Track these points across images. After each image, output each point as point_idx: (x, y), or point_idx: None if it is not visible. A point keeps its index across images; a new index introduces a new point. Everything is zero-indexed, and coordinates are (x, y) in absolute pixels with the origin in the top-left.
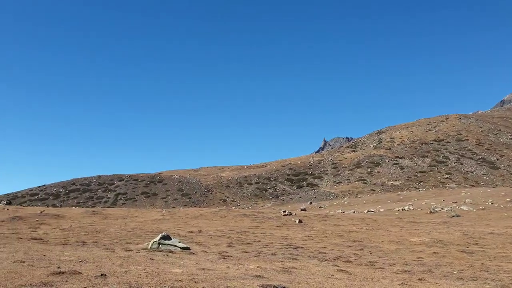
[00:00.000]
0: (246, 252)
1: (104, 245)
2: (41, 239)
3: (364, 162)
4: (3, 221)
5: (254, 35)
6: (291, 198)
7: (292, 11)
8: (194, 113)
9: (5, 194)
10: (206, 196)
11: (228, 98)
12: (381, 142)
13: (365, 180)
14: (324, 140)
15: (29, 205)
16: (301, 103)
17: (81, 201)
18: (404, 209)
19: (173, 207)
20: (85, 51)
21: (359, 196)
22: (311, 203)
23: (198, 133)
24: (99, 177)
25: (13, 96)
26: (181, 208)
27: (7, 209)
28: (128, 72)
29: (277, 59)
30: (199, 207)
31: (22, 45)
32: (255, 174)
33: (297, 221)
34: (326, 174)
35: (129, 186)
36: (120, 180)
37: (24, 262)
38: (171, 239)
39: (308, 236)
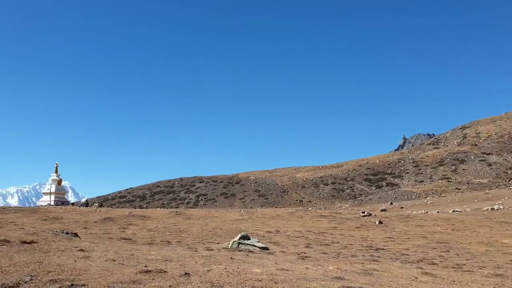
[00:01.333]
0: (325, 253)
1: (187, 245)
2: (130, 239)
3: (448, 159)
4: (95, 222)
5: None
6: (369, 199)
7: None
8: (269, 115)
9: (97, 197)
10: (282, 197)
11: (303, 98)
12: (466, 137)
13: (449, 178)
14: (404, 138)
15: (118, 206)
16: (377, 101)
17: (165, 202)
18: (494, 208)
19: (251, 208)
20: (168, 53)
21: (443, 195)
22: (391, 203)
23: (272, 134)
24: (181, 179)
25: (103, 105)
26: (259, 208)
27: (99, 210)
28: (209, 74)
29: (354, 60)
30: (276, 207)
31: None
32: (331, 175)
33: (377, 222)
34: (407, 173)
35: (209, 187)
36: (201, 182)
37: (115, 260)
38: (250, 239)
39: (389, 237)
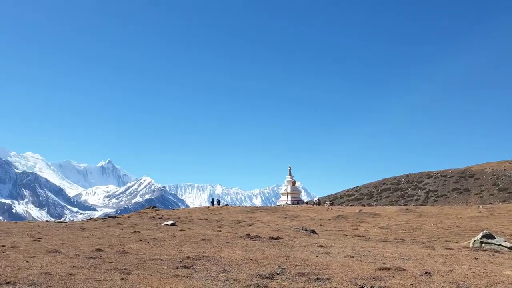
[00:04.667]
0: None
1: (423, 243)
2: (363, 236)
3: None
4: (329, 219)
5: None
6: None
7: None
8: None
9: (327, 196)
10: None
11: None
12: None
13: None
14: None
15: (347, 205)
16: None
17: (392, 200)
18: None
19: (490, 203)
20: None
21: None
22: None
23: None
24: (407, 175)
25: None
26: (500, 204)
27: (331, 208)
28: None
29: None
30: None
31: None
32: None
33: None
34: None
35: (438, 183)
36: (429, 177)
37: (353, 257)
38: (494, 238)
39: None
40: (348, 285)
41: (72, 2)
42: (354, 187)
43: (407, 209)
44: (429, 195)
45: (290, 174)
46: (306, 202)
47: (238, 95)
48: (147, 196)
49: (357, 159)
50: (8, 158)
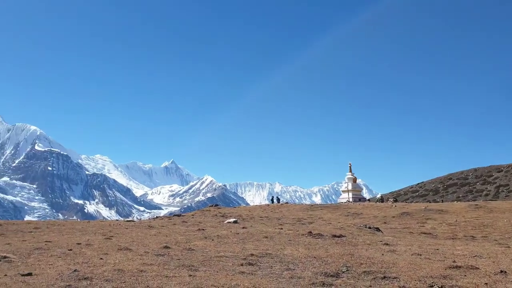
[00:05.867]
0: None
1: (495, 240)
2: (430, 233)
3: None
4: (393, 216)
5: None
6: None
7: None
8: None
9: (390, 192)
10: None
11: None
12: None
13: None
14: None
15: (411, 201)
16: None
17: (460, 195)
18: None
19: None
20: None
21: None
22: None
23: None
24: (475, 169)
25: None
26: None
27: (395, 206)
28: None
29: None
30: None
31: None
32: None
33: None
34: None
35: (510, 176)
36: (499, 171)
37: (420, 255)
38: None
39: None
40: (417, 283)
41: None
42: (418, 183)
43: (477, 204)
44: (500, 190)
45: (350, 171)
46: (368, 200)
47: (298, 91)
48: (209, 195)
49: (419, 154)
50: (79, 161)
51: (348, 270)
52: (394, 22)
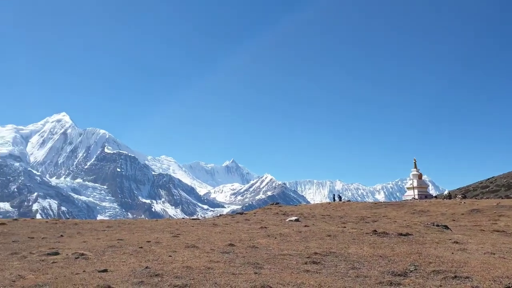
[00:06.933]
0: None
1: None
2: (504, 231)
3: None
4: (462, 214)
5: None
6: None
7: None
8: None
9: (457, 188)
10: None
11: None
12: None
13: None
14: None
15: (481, 197)
16: None
17: None
18: None
19: None
20: None
21: None
22: None
23: None
24: None
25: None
26: None
27: (463, 202)
28: None
29: None
30: None
31: None
32: None
33: None
34: None
35: None
36: None
37: (494, 254)
38: None
39: None
40: (492, 284)
41: None
42: (488, 178)
43: None
44: None
45: (415, 167)
46: (435, 196)
47: (360, 87)
48: (269, 193)
49: (489, 147)
50: (146, 162)
51: (416, 269)
52: None
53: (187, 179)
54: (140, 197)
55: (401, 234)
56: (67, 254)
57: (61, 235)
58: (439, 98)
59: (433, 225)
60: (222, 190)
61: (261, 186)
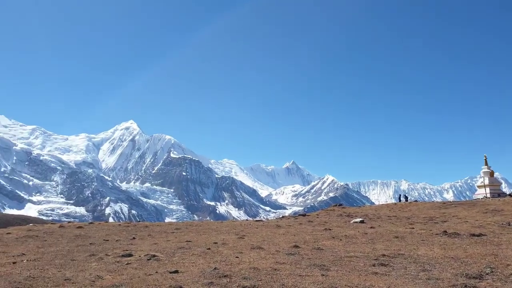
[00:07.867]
0: None
1: None
2: None
3: None
4: None
5: None
6: None
7: None
8: None
9: None
10: None
11: None
12: None
13: None
14: None
15: None
16: None
17: None
18: None
19: None
20: None
21: None
22: None
23: None
24: None
25: None
26: None
27: None
28: None
29: None
30: None
31: None
32: None
33: None
34: None
35: None
36: None
37: None
38: None
39: None
40: None
41: None
42: None
43: None
44: None
45: (486, 164)
46: (509, 195)
47: (430, 80)
48: (331, 194)
49: None
50: (209, 165)
51: (492, 271)
52: None
53: (248, 181)
54: (205, 200)
55: (473, 235)
56: (140, 256)
57: (133, 238)
58: (509, 88)
59: (509, 225)
60: (283, 192)
61: (323, 187)
